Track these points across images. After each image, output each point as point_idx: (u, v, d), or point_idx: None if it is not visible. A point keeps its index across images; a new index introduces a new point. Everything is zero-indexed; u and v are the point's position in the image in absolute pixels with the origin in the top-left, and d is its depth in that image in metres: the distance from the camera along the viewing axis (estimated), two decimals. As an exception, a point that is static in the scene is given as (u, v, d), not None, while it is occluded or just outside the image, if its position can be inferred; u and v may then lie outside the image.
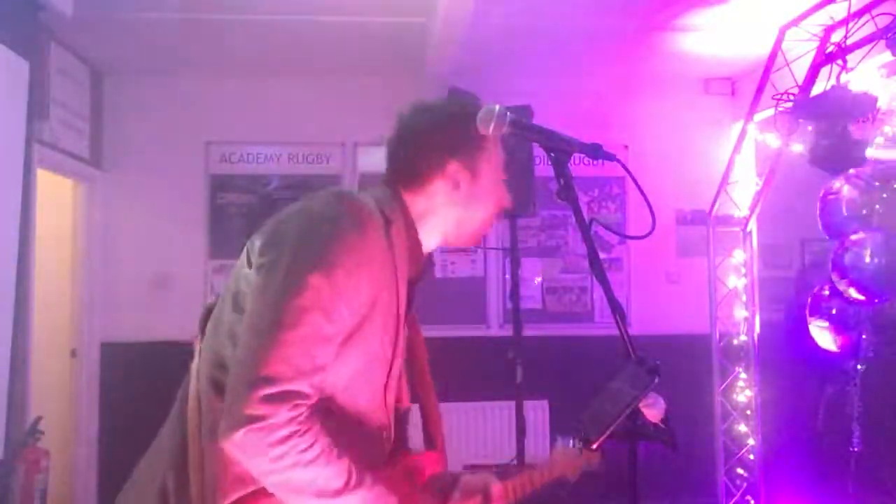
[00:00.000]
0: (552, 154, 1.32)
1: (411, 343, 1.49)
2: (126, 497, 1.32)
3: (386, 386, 1.33)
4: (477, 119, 1.34)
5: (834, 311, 3.17)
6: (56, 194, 4.20)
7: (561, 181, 1.31)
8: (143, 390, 4.33)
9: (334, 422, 1.22)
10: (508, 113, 1.33)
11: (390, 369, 1.33)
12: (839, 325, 3.15)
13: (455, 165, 1.38)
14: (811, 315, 3.26)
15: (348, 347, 1.22)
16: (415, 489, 1.41)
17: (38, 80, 3.42)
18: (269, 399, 1.11)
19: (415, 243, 1.39)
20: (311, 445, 1.15)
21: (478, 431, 4.42)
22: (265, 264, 1.21)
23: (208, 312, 1.33)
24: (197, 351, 1.30)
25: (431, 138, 1.41)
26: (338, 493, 1.17)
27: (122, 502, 1.31)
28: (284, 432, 1.12)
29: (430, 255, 1.49)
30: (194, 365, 1.29)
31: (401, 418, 1.44)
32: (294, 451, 1.13)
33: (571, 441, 1.71)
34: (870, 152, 3.02)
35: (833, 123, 2.94)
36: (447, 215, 1.41)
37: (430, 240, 1.43)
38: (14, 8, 3.17)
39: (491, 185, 1.43)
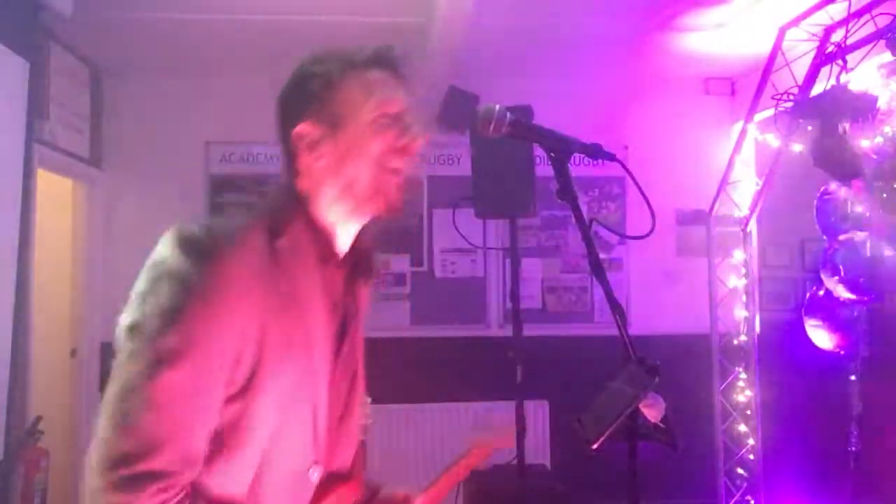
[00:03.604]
0: (552, 154, 1.32)
1: (349, 358, 1.27)
2: None
3: (315, 426, 1.16)
4: (480, 118, 1.33)
5: (828, 311, 3.18)
6: (56, 194, 4.20)
7: (561, 181, 1.30)
8: (142, 390, 4.34)
9: (244, 473, 1.09)
10: (508, 113, 1.33)
11: (317, 408, 1.15)
12: (833, 324, 3.17)
13: (304, 126, 1.18)
14: (807, 314, 3.27)
15: (250, 399, 1.06)
16: None
17: (38, 80, 3.42)
18: (123, 485, 0.96)
19: (323, 239, 1.19)
20: None
21: (477, 431, 4.42)
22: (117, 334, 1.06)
23: None
24: None
25: (279, 112, 1.24)
26: None
27: None
28: None
29: (361, 244, 1.28)
30: None
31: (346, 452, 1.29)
32: None
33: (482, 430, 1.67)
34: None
35: (833, 124, 2.94)
36: (331, 187, 1.18)
37: (339, 224, 1.22)
38: (14, 8, 3.17)
39: (363, 128, 1.18)
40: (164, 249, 1.05)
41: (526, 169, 3.28)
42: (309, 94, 1.19)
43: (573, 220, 1.28)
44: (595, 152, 1.31)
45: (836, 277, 3.04)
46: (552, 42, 4.02)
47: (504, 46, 4.08)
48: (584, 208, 1.31)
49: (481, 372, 4.22)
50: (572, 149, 1.31)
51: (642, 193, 1.35)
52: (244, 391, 1.06)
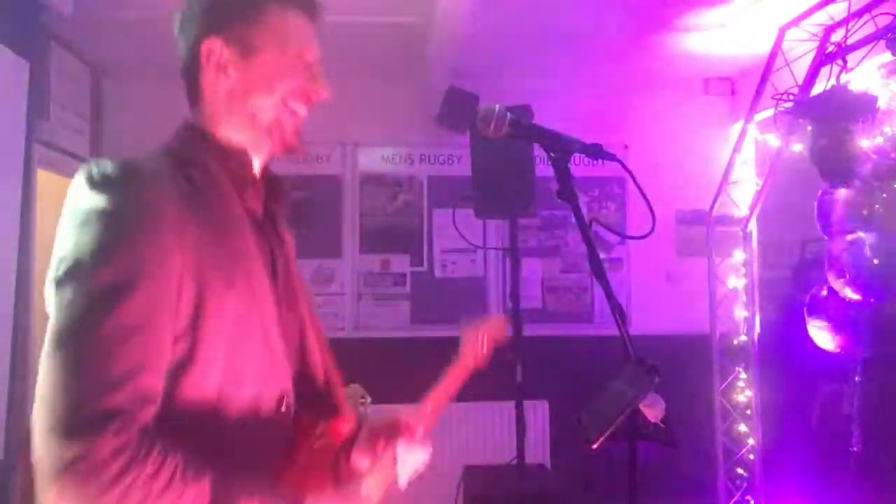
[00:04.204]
0: (552, 154, 1.32)
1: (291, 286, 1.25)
2: None
3: (272, 353, 1.13)
4: (480, 118, 1.34)
5: (832, 311, 3.17)
6: (56, 194, 4.19)
7: (561, 181, 1.30)
8: (143, 390, 4.33)
9: (209, 416, 1.03)
10: (508, 113, 1.33)
11: (269, 334, 1.12)
12: (837, 324, 3.16)
13: (213, 42, 1.14)
14: (809, 315, 3.26)
15: (199, 331, 1.01)
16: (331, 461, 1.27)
17: (38, 80, 3.41)
18: (79, 431, 0.88)
19: (235, 162, 1.16)
20: (158, 470, 0.92)
21: (477, 431, 4.42)
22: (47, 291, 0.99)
23: None
24: None
25: (187, 16, 1.18)
26: None
27: None
28: (116, 467, 0.89)
29: (269, 174, 1.26)
30: None
31: (322, 386, 1.27)
32: (138, 484, 0.91)
33: (472, 325, 1.64)
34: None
35: (833, 123, 2.94)
36: (233, 114, 1.16)
37: (248, 148, 1.19)
38: (14, 8, 3.17)
39: (277, 64, 1.16)
40: (80, 196, 0.99)
41: (526, 169, 3.28)
42: (228, 13, 1.15)
43: (573, 220, 1.28)
44: (595, 152, 1.31)
45: (843, 279, 3.03)
46: (552, 42, 4.02)
47: (504, 46, 4.08)
48: (584, 208, 1.31)
49: (481, 372, 4.22)
50: (572, 149, 1.31)
51: (642, 193, 1.35)
52: (192, 326, 1.00)
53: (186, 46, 1.17)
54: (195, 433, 1.01)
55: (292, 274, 1.25)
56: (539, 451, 4.41)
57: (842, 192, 3.07)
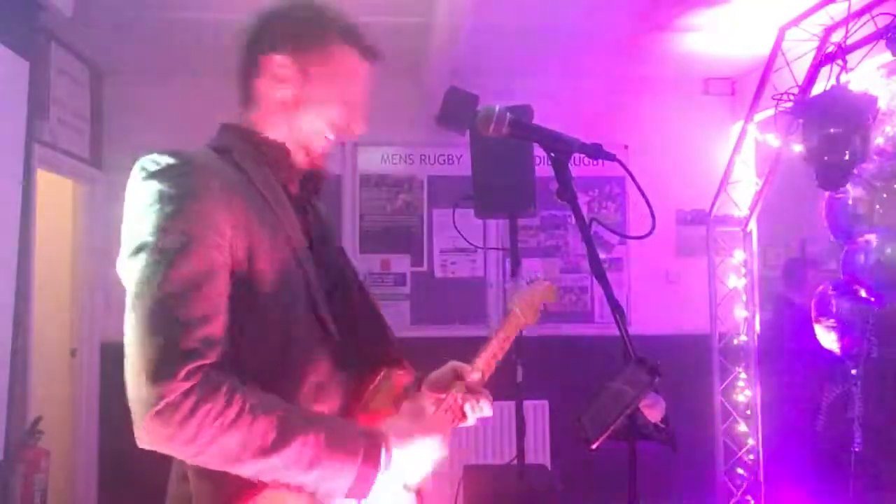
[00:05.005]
0: (552, 154, 1.32)
1: (333, 261, 1.38)
2: None
3: (320, 318, 1.23)
4: (480, 118, 1.34)
5: (841, 312, 3.16)
6: (56, 194, 4.20)
7: (561, 181, 1.30)
8: (143, 390, 4.33)
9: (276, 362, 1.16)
10: (508, 113, 1.33)
11: (315, 299, 1.23)
12: (846, 325, 3.15)
13: (278, 59, 1.26)
14: (818, 315, 3.25)
15: (257, 280, 1.15)
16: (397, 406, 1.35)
17: (38, 80, 3.41)
18: (154, 378, 1.01)
19: (277, 152, 1.29)
20: (227, 405, 1.04)
21: (477, 431, 4.42)
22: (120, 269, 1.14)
23: None
24: None
25: (262, 25, 1.30)
26: (277, 445, 1.07)
27: None
28: (188, 405, 1.01)
29: (310, 168, 1.36)
30: None
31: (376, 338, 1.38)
32: (209, 419, 1.03)
33: (521, 283, 1.68)
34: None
35: (828, 126, 2.93)
36: (279, 124, 1.29)
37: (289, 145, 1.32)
38: (14, 8, 3.16)
39: (329, 91, 1.29)
40: (139, 187, 1.13)
41: (526, 169, 3.27)
42: (299, 36, 1.28)
43: (573, 220, 1.28)
44: (595, 152, 1.31)
45: (857, 280, 3.02)
46: (552, 42, 4.02)
47: (504, 46, 4.08)
48: (584, 208, 1.31)
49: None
50: (572, 149, 1.31)
51: (642, 193, 1.35)
52: (247, 279, 1.14)
53: (250, 52, 1.29)
54: (265, 374, 1.14)
55: (329, 243, 1.40)
56: (539, 451, 4.41)
57: (851, 192, 3.06)
